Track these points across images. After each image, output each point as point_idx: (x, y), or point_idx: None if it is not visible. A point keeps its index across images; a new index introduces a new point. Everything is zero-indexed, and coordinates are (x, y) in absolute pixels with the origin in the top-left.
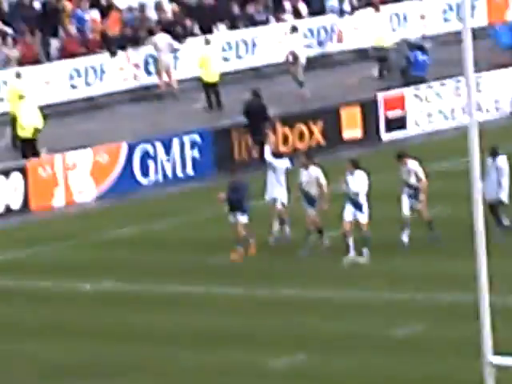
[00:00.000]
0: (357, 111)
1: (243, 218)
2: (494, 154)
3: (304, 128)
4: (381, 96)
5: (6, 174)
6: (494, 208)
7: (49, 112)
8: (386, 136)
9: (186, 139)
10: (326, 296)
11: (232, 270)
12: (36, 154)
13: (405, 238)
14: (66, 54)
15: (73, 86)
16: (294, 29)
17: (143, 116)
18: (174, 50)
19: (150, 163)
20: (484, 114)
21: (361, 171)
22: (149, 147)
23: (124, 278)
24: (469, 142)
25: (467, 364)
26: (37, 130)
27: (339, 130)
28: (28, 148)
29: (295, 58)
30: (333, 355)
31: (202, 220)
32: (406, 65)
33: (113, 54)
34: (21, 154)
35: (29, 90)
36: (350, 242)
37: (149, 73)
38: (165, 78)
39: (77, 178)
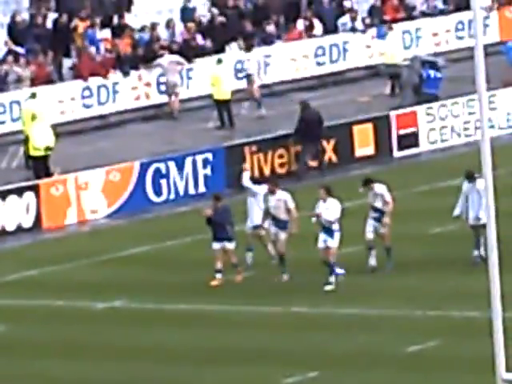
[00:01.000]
0: (369, 128)
1: (231, 245)
2: (472, 177)
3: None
4: (393, 113)
5: (19, 193)
6: (475, 231)
7: (61, 131)
8: (398, 153)
9: (199, 158)
10: (338, 313)
11: (244, 287)
12: (48, 173)
13: (372, 261)
14: (78, 73)
15: (85, 105)
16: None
17: (156, 134)
18: (180, 66)
19: (163, 182)
20: (497, 130)
21: (334, 199)
22: (161, 166)
23: (136, 296)
24: (481, 157)
25: (481, 381)
26: (48, 149)
27: (352, 147)
28: (40, 167)
29: (249, 79)
30: (345, 372)
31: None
32: (419, 82)
33: (125, 73)
34: (33, 173)
35: (42, 109)
36: (331, 267)
37: (161, 92)
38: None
39: (89, 196)
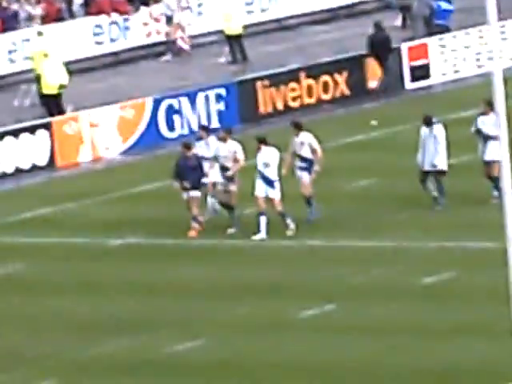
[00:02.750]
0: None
1: (196, 193)
2: (429, 123)
3: (329, 79)
4: (404, 45)
5: (32, 131)
6: (427, 176)
7: (73, 68)
8: (409, 85)
9: (211, 93)
10: (354, 246)
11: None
12: (61, 111)
13: (310, 216)
14: (90, 10)
15: (97, 43)
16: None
17: (167, 71)
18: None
19: (176, 117)
20: (508, 60)
21: (271, 147)
22: (174, 102)
23: (151, 232)
24: (493, 89)
25: (496, 311)
26: (61, 87)
27: (364, 80)
28: (53, 105)
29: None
30: (361, 305)
31: None
32: (430, 14)
33: (136, 9)
34: (46, 111)
35: (53, 47)
36: (262, 220)
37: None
38: (181, 34)
39: (102, 133)
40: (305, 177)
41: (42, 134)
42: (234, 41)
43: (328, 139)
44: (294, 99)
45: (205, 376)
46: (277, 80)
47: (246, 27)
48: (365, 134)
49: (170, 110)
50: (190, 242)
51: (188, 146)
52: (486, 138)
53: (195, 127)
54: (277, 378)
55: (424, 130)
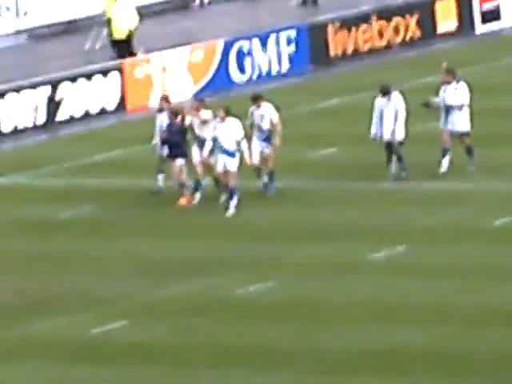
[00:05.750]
0: (452, 3)
1: (181, 161)
2: (387, 92)
3: (400, 21)
4: None
5: (104, 73)
6: (390, 147)
7: (144, 12)
8: (480, 28)
9: (283, 35)
10: (425, 188)
11: (329, 164)
12: (132, 54)
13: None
14: None
15: None
16: None
17: (238, 13)
18: None
19: (246, 60)
20: None
21: (232, 118)
22: (245, 44)
23: None
24: None
25: None
26: (132, 32)
27: (434, 22)
28: (124, 49)
29: None
30: (432, 246)
31: (297, 115)
32: None
33: None
34: (117, 55)
35: None
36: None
37: None
38: None
39: (173, 76)
40: (267, 150)
41: (114, 76)
42: None
43: (400, 81)
44: (364, 42)
45: (273, 317)
46: (348, 22)
47: None
48: (435, 76)
49: (241, 53)
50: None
51: (176, 113)
52: None
53: (265, 70)
54: (345, 319)
55: (380, 100)
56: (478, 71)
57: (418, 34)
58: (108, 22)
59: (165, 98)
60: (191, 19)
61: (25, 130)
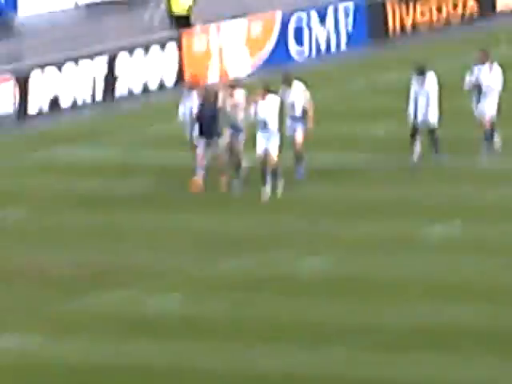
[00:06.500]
0: None
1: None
2: (422, 73)
3: None
4: None
5: (162, 45)
6: (419, 131)
7: None
8: None
9: (341, 8)
10: (480, 166)
11: (387, 141)
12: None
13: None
14: None
15: None
16: None
17: None
18: None
19: (305, 33)
20: None
21: (272, 95)
22: (303, 16)
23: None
24: None
25: None
26: (191, 7)
27: (494, 0)
28: (183, 25)
29: None
30: (487, 223)
31: (355, 91)
32: None
33: None
34: (175, 30)
35: None
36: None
37: None
38: None
39: (231, 49)
40: (300, 132)
41: (171, 47)
42: None
43: (455, 58)
44: (422, 17)
45: (326, 293)
46: None
47: None
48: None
49: (299, 26)
50: (315, 159)
51: (208, 93)
52: None
53: (323, 45)
54: (397, 296)
55: (417, 80)
56: None
57: (476, 10)
58: None
59: (194, 77)
60: None
61: (83, 102)
